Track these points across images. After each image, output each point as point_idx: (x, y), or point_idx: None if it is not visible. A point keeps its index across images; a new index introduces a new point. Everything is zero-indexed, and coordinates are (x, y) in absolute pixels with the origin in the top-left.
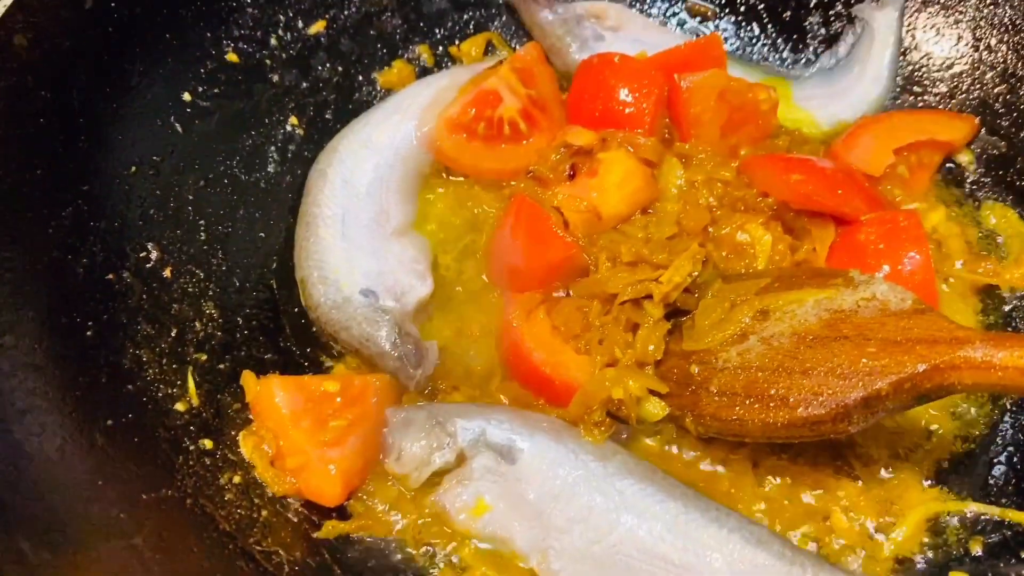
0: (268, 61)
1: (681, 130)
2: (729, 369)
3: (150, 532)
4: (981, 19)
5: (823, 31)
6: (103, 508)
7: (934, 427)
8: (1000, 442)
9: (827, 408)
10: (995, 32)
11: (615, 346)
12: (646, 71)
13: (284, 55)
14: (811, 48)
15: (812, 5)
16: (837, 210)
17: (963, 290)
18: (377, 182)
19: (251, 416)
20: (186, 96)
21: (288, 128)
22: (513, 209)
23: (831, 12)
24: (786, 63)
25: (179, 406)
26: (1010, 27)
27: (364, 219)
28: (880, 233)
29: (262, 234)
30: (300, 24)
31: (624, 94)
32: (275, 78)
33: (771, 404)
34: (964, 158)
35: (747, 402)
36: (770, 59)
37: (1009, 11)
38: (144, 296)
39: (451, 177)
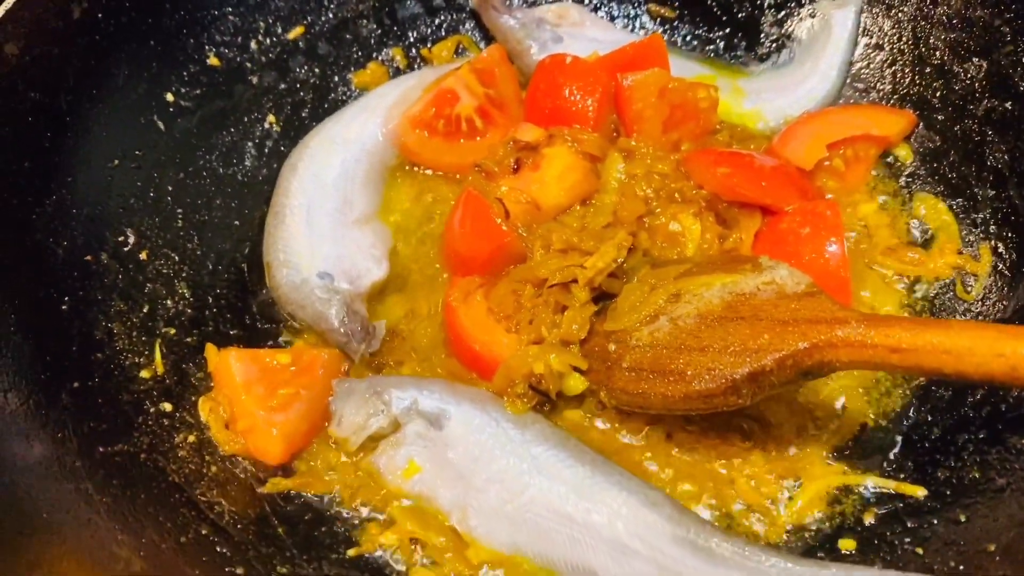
0: (248, 64)
1: (626, 126)
2: (640, 347)
3: (102, 479)
4: (921, 18)
5: (776, 29)
6: (60, 455)
7: (844, 406)
8: (905, 422)
9: (718, 382)
10: (933, 30)
11: (543, 326)
12: (591, 71)
13: (264, 58)
14: (765, 45)
15: (766, 5)
16: (761, 201)
17: (890, 277)
18: (343, 175)
19: (212, 384)
20: (169, 96)
21: (266, 125)
22: (461, 200)
23: (783, 12)
24: (742, 60)
25: (144, 373)
26: (946, 24)
27: (328, 209)
28: (801, 222)
29: (237, 222)
30: (279, 29)
31: (571, 92)
32: (254, 80)
33: (670, 379)
34: (902, 152)
35: (651, 377)
36: (727, 56)
37: (946, 9)
38: (120, 276)
39: (416, 170)
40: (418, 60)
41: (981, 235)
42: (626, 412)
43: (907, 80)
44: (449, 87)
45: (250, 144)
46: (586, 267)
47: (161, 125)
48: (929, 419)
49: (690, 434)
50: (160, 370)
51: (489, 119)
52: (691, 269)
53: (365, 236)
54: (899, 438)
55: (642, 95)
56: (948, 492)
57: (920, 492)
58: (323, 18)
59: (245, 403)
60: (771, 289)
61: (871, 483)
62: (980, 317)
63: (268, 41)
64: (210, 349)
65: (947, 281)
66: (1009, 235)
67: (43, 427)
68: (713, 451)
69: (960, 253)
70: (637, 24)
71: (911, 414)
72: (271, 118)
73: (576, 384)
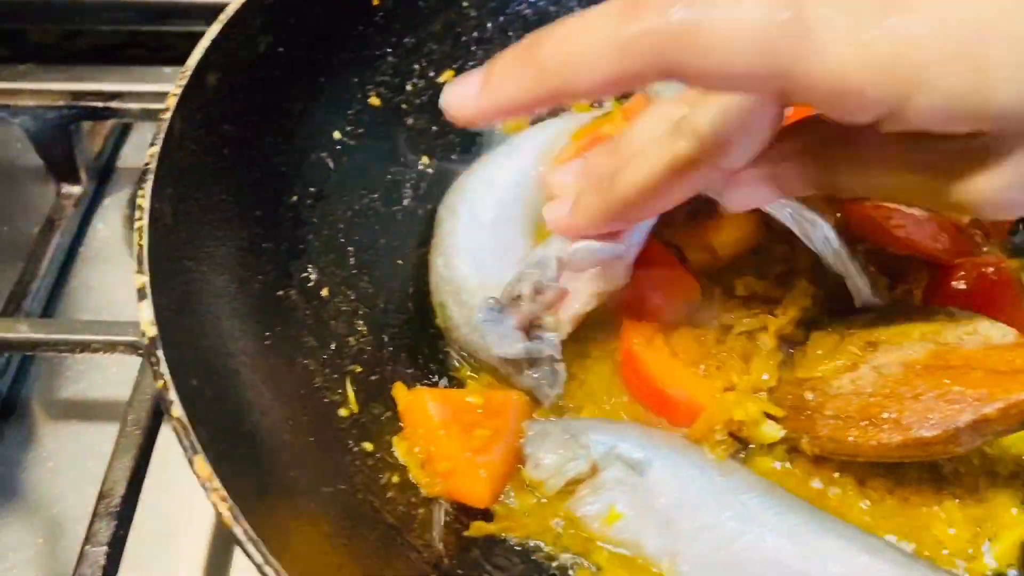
0: (404, 105)
1: None
2: (843, 395)
3: (332, 520)
4: None
5: None
6: (292, 497)
7: None
8: None
9: (939, 430)
10: None
11: (733, 373)
12: None
13: (418, 100)
14: None
15: None
16: (933, 254)
17: None
18: (499, 217)
19: (401, 424)
20: (336, 134)
21: (420, 167)
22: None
23: None
24: None
25: (342, 411)
26: None
27: (491, 249)
28: (976, 278)
29: (400, 261)
30: (432, 73)
31: None
32: (410, 121)
33: (884, 426)
34: None
35: (861, 424)
36: None
37: None
38: (307, 312)
39: None
40: (560, 108)
41: None
42: (818, 459)
43: None
44: (606, 134)
45: (407, 185)
46: (776, 315)
47: (331, 163)
48: None
49: (884, 480)
50: (355, 408)
51: None
52: (876, 318)
53: None
54: None
55: None
56: None
57: None
58: (471, 63)
59: (446, 444)
60: (976, 339)
61: None
62: None
63: (422, 83)
64: (399, 388)
65: None
66: None
67: (282, 467)
68: (906, 496)
69: None
70: None
71: None
72: (425, 159)
73: (773, 432)
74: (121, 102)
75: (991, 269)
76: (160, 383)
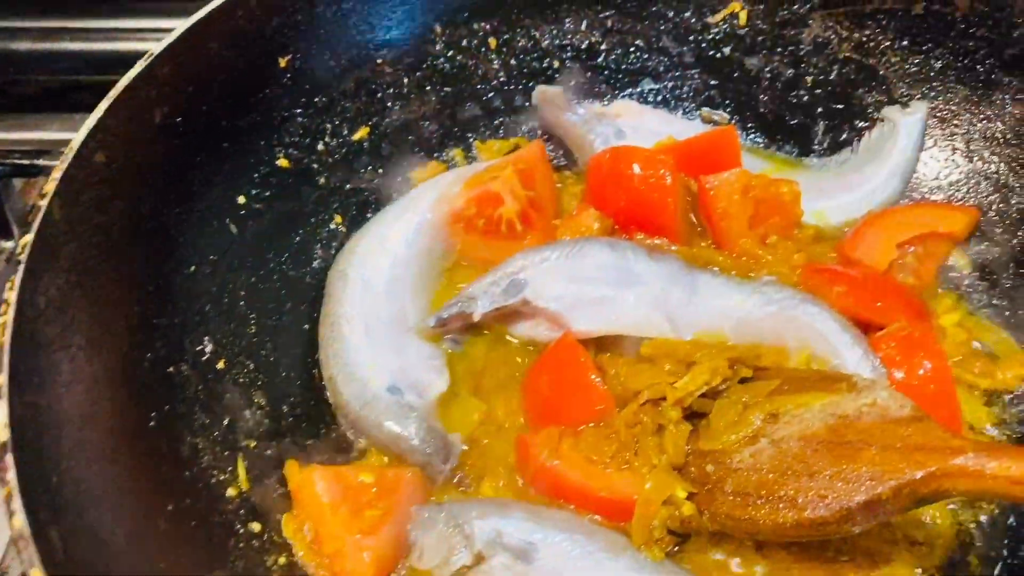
0: (315, 165)
1: (711, 224)
2: (742, 470)
3: None
4: (975, 132)
5: (828, 137)
6: None
7: (934, 522)
8: (997, 539)
9: (832, 511)
10: (988, 145)
11: (652, 453)
12: (655, 159)
13: (330, 159)
14: (818, 152)
15: (817, 114)
16: (876, 321)
17: (965, 387)
18: (393, 281)
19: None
20: (240, 199)
21: (332, 226)
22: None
23: (837, 119)
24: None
25: (231, 491)
26: (1002, 141)
27: (384, 317)
28: (897, 345)
29: (306, 326)
30: (345, 131)
31: (638, 180)
32: (321, 180)
33: (780, 505)
34: (960, 261)
35: (758, 502)
36: None
37: (1001, 126)
38: (200, 387)
39: (464, 265)
40: (477, 159)
41: None
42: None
43: (962, 192)
44: (495, 190)
45: (318, 246)
46: (676, 387)
47: (234, 228)
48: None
49: (782, 550)
50: (245, 487)
51: (528, 222)
52: (782, 386)
53: (424, 345)
54: (991, 553)
55: (726, 193)
56: None
57: None
58: (387, 119)
59: (333, 525)
60: (875, 412)
61: None
62: None
63: (334, 142)
64: (291, 467)
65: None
66: None
67: (148, 560)
68: (805, 566)
69: None
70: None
71: (1000, 529)
72: (338, 218)
73: (687, 510)
74: (49, 159)
75: (917, 334)
76: (5, 490)
